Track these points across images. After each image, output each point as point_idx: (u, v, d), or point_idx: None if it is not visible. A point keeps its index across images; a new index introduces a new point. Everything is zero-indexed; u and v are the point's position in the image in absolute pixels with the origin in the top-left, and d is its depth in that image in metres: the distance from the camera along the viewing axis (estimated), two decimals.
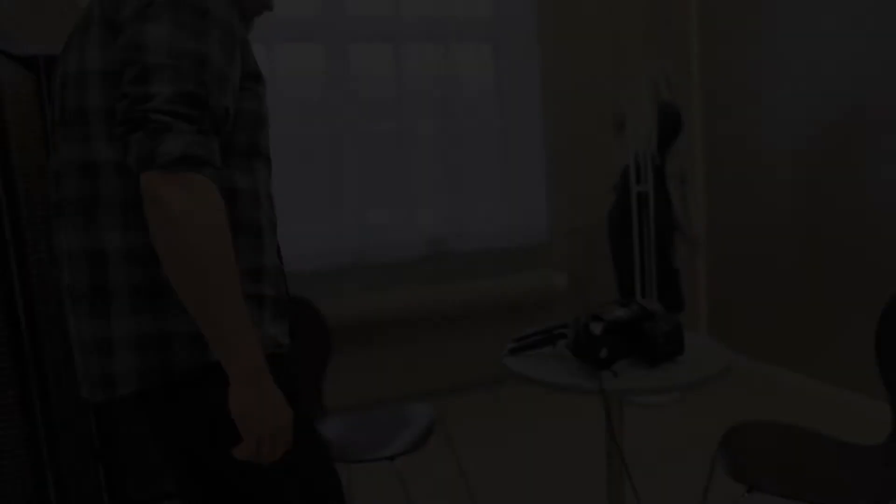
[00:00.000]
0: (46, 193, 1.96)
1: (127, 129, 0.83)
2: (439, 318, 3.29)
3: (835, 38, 2.67)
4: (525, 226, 3.36)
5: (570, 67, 3.43)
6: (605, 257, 3.54)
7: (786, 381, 3.12)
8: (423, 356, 3.28)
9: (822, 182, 2.80)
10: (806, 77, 2.82)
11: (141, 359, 0.91)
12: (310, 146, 3.05)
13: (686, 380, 1.43)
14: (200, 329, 0.88)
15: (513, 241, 3.35)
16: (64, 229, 0.94)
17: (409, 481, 2.42)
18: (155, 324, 0.90)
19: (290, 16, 2.93)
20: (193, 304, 0.83)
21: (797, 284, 2.99)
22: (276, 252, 1.03)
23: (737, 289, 3.37)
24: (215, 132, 0.87)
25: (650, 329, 1.47)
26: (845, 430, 2.59)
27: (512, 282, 3.28)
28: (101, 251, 0.91)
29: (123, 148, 0.86)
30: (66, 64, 0.94)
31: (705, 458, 2.43)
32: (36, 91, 2.02)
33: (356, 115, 3.08)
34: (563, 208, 3.51)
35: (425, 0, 3.10)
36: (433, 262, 3.27)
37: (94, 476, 2.18)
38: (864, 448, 1.61)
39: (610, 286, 3.58)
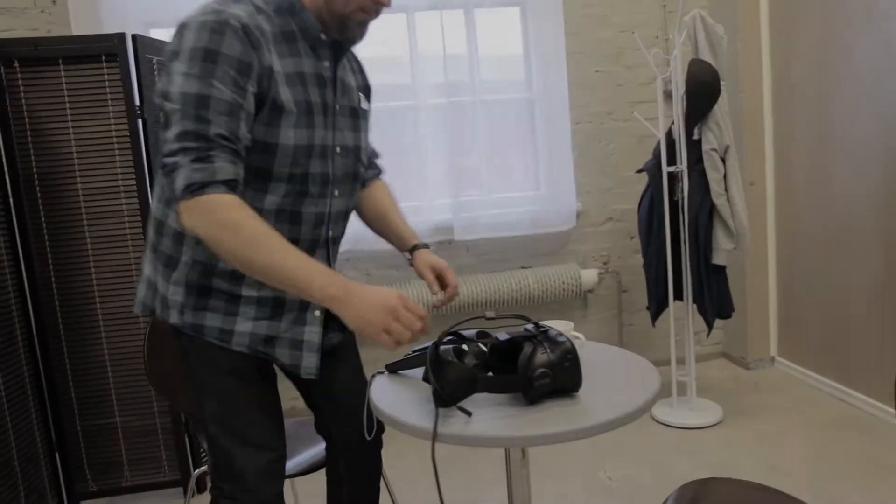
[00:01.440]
0: None
1: (162, 174, 1.05)
2: (455, 311, 3.01)
3: None
4: (552, 212, 2.97)
5: (598, 29, 2.99)
6: (639, 250, 3.07)
7: (856, 403, 2.49)
8: None
9: None
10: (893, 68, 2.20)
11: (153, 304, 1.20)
12: None
13: (550, 430, 1.00)
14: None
15: (538, 229, 2.98)
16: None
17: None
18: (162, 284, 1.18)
19: None
20: (262, 280, 1.03)
21: (875, 301, 2.37)
22: None
23: (808, 304, 2.76)
24: (226, 154, 1.02)
25: (526, 358, 1.11)
26: None
27: (535, 275, 2.91)
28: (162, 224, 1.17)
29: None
30: None
31: None
32: None
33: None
34: (592, 192, 3.08)
35: None
36: (451, 250, 3.00)
37: (52, 469, 2.18)
38: None
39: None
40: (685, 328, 2.63)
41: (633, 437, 2.47)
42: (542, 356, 1.08)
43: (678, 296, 2.60)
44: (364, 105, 1.31)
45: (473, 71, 2.92)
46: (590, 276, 2.98)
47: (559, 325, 1.36)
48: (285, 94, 1.09)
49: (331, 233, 1.26)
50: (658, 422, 2.57)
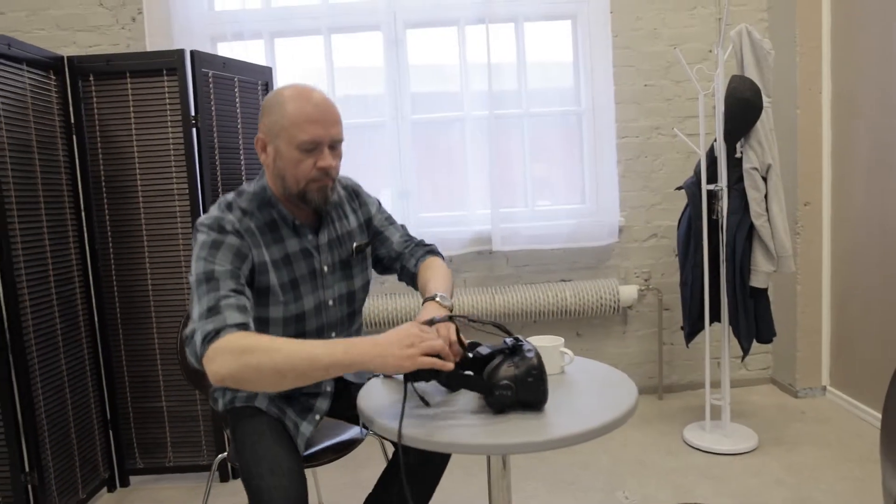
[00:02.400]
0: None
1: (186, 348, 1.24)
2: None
3: None
4: (594, 226, 2.96)
5: (645, 41, 2.95)
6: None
7: None
8: None
9: None
10: None
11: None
12: (372, 136, 3.02)
13: (511, 441, 1.04)
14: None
15: (579, 243, 2.97)
16: None
17: None
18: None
19: (348, 2, 2.91)
20: (294, 382, 1.13)
21: None
22: None
23: (864, 332, 2.62)
24: (233, 307, 1.20)
25: (492, 368, 1.13)
26: None
27: (573, 289, 2.91)
28: None
29: None
30: None
31: None
32: (59, 91, 2.26)
33: (416, 107, 2.97)
34: (637, 207, 3.04)
35: None
36: (490, 260, 3.05)
37: (105, 444, 2.39)
38: None
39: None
40: (729, 351, 2.56)
41: (662, 458, 2.43)
42: (507, 369, 1.12)
43: (715, 317, 2.53)
44: (361, 240, 1.52)
45: (521, 84, 2.96)
46: (629, 292, 2.95)
47: (549, 341, 1.38)
48: (273, 280, 1.35)
49: None
50: (689, 445, 2.52)
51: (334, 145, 1.34)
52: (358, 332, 1.58)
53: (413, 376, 1.14)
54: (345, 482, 2.38)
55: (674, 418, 2.80)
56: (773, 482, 2.20)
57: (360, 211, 1.55)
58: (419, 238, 1.63)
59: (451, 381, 1.15)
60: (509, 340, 1.19)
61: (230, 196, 1.38)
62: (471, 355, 1.21)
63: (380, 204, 1.61)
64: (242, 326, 1.19)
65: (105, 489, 2.42)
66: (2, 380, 1.92)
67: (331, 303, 1.46)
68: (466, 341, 1.27)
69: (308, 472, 2.43)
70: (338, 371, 1.12)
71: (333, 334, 1.49)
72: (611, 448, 2.54)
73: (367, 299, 2.81)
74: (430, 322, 1.20)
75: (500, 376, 1.11)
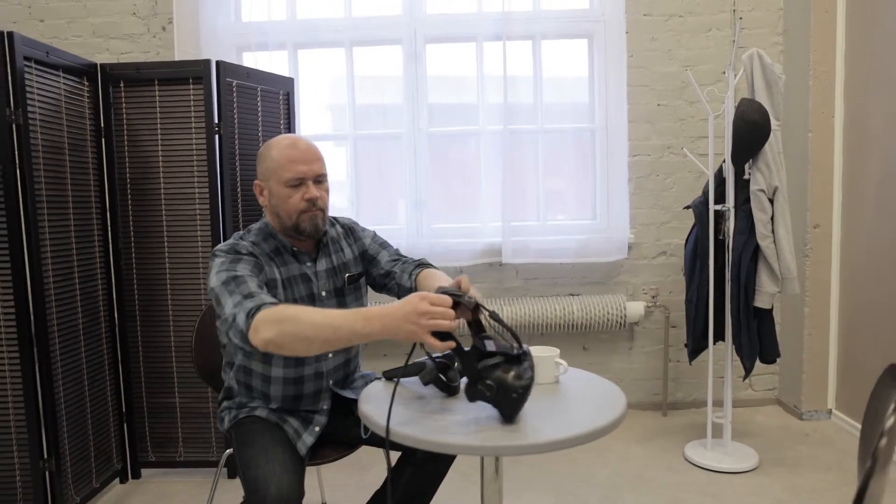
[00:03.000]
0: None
1: (226, 333, 1.38)
2: (498, 332, 3.10)
3: None
4: (603, 242, 3.00)
5: (658, 64, 3.00)
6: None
7: None
8: None
9: None
10: None
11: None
12: (389, 147, 3.10)
13: (490, 443, 1.11)
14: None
15: (587, 258, 3.02)
16: None
17: None
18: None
19: (370, 17, 3.00)
20: (322, 347, 1.25)
21: None
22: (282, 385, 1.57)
23: (871, 356, 2.62)
24: (265, 294, 1.36)
25: (490, 364, 1.18)
26: None
27: (581, 303, 2.95)
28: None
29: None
30: None
31: None
32: (91, 97, 2.37)
33: (433, 119, 3.05)
34: (648, 225, 3.08)
35: None
36: (500, 272, 3.10)
37: (119, 437, 2.48)
38: None
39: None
40: (735, 371, 2.58)
41: (661, 473, 2.45)
42: (501, 373, 1.17)
43: (720, 336, 2.56)
44: (355, 270, 1.67)
45: (537, 100, 3.02)
46: (636, 308, 2.98)
47: (545, 351, 1.44)
48: (280, 296, 1.50)
49: (330, 382, 1.62)
50: (689, 461, 2.54)
51: (319, 179, 1.52)
52: (357, 357, 1.70)
53: (431, 378, 1.25)
54: (348, 483, 2.44)
55: (676, 435, 2.82)
56: (771, 502, 2.21)
57: (356, 245, 1.70)
58: (416, 258, 1.72)
59: (455, 351, 1.20)
60: (517, 349, 1.24)
61: (239, 233, 1.57)
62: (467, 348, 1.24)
63: (374, 234, 1.75)
64: (276, 304, 1.32)
65: (118, 480, 2.51)
66: (26, 370, 2.02)
67: None
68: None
69: (312, 473, 2.49)
70: (357, 340, 1.23)
71: (331, 355, 1.61)
72: (611, 462, 2.57)
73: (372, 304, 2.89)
74: (450, 294, 1.23)
75: (492, 375, 1.17)
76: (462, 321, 1.47)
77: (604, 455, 2.64)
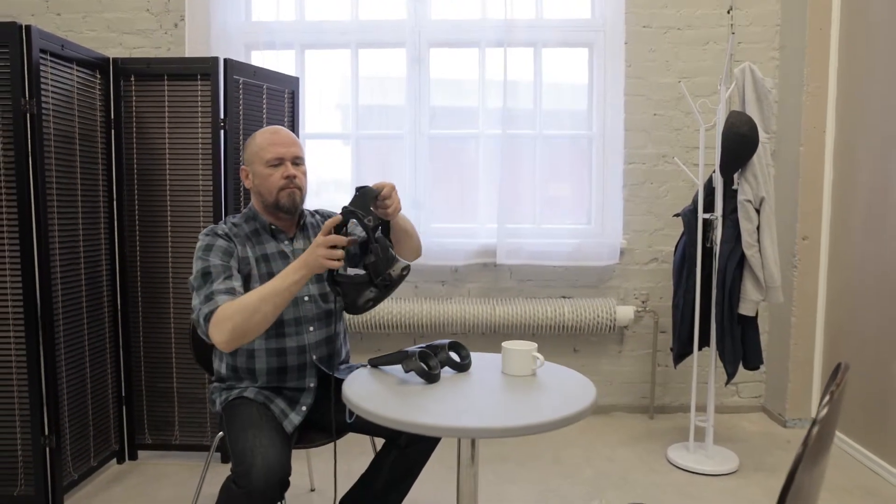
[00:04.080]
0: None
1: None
2: (490, 331, 3.18)
3: None
4: (595, 246, 3.07)
5: (656, 74, 3.06)
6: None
7: (887, 477, 2.39)
8: None
9: None
10: None
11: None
12: (391, 147, 3.18)
13: (465, 425, 1.25)
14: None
15: (579, 262, 3.08)
16: None
17: None
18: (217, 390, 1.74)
19: (375, 20, 3.08)
20: (274, 315, 1.47)
21: None
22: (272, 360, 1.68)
23: (854, 368, 2.68)
24: (224, 295, 1.51)
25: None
26: None
27: (571, 305, 3.02)
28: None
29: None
30: None
31: None
32: (102, 90, 2.46)
33: (436, 122, 3.13)
34: (641, 232, 3.14)
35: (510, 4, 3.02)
36: (495, 272, 3.17)
37: (118, 419, 2.56)
38: None
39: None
40: (720, 377, 2.64)
41: (644, 474, 2.51)
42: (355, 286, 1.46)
43: (705, 342, 2.62)
44: None
45: (536, 106, 3.10)
46: (626, 312, 3.04)
47: (523, 345, 1.51)
48: (253, 272, 1.65)
49: (314, 356, 1.70)
50: (671, 463, 2.60)
51: (297, 162, 1.69)
52: (342, 336, 1.80)
53: (413, 367, 1.41)
54: (338, 472, 2.51)
55: (661, 438, 2.88)
56: (744, 503, 2.27)
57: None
58: None
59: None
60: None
61: (228, 217, 1.78)
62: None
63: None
64: (230, 299, 1.49)
65: (115, 460, 2.59)
66: (31, 350, 2.10)
67: (306, 298, 1.69)
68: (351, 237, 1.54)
69: (302, 460, 2.56)
70: (297, 286, 1.47)
71: (311, 328, 1.70)
72: (595, 462, 2.63)
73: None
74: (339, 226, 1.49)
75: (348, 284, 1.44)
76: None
77: (589, 455, 2.70)
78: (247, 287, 1.64)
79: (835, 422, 1.08)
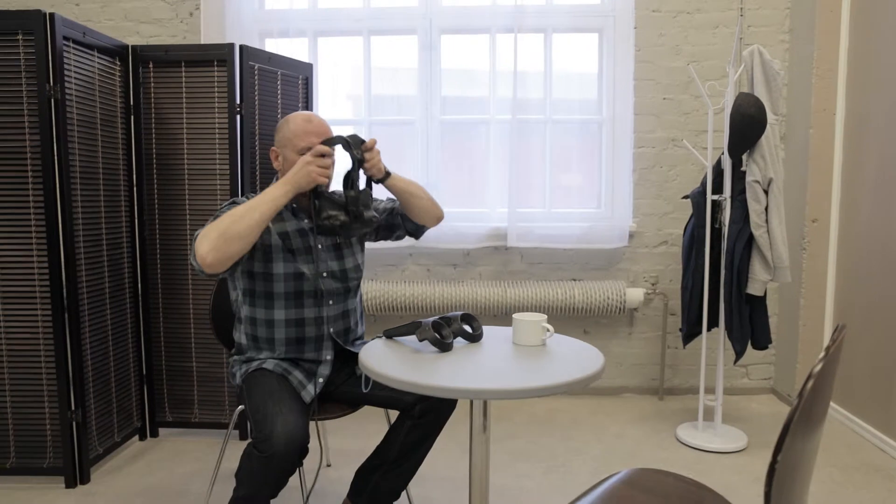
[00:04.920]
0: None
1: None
2: (501, 313, 3.22)
3: None
4: (605, 230, 3.10)
5: (666, 58, 3.08)
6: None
7: (895, 454, 2.42)
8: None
9: None
10: None
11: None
12: (402, 133, 3.22)
13: (478, 386, 1.30)
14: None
15: (589, 244, 3.12)
16: None
17: None
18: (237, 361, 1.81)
19: (387, 7, 3.12)
20: (263, 221, 1.54)
21: None
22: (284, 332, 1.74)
23: (864, 349, 2.70)
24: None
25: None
26: None
27: (581, 287, 3.06)
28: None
29: None
30: None
31: None
32: (122, 76, 2.53)
33: (445, 107, 3.17)
34: (650, 215, 3.17)
35: None
36: (506, 255, 3.22)
37: (139, 397, 2.64)
38: None
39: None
40: (729, 358, 2.68)
41: (652, 451, 2.56)
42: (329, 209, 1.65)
43: (714, 322, 2.65)
44: None
45: (547, 91, 3.13)
46: (635, 294, 3.08)
47: (532, 316, 1.55)
48: (274, 241, 1.70)
49: (331, 329, 1.77)
50: (680, 441, 2.64)
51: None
52: (357, 312, 1.86)
53: (427, 336, 1.47)
54: (351, 448, 2.58)
55: (670, 418, 2.92)
56: (752, 480, 2.31)
57: None
58: None
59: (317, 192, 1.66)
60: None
61: (248, 193, 1.83)
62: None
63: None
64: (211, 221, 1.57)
65: (137, 437, 2.67)
66: (57, 328, 2.17)
67: (325, 274, 1.76)
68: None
69: (317, 434, 2.63)
70: (281, 200, 1.56)
71: (331, 302, 1.76)
72: (605, 439, 2.68)
73: (384, 287, 3.04)
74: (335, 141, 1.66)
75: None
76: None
77: (599, 434, 2.75)
78: (268, 255, 1.69)
79: (831, 382, 1.12)
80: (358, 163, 1.66)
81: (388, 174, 1.75)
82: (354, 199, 1.65)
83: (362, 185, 1.75)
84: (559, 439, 2.68)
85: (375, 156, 1.69)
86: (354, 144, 1.66)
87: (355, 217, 1.64)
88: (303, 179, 1.58)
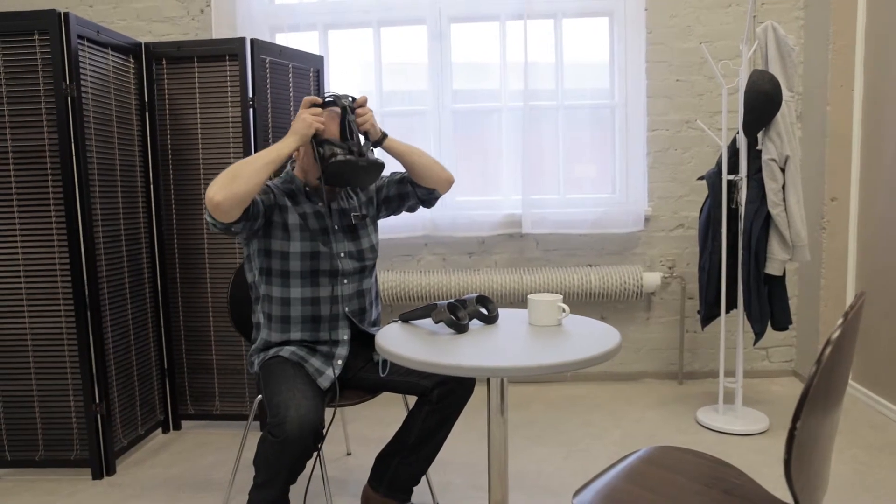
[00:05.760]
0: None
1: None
2: (518, 300, 3.22)
3: None
4: (620, 214, 3.09)
5: (677, 40, 3.05)
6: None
7: None
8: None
9: None
10: None
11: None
12: (414, 123, 3.23)
13: (495, 364, 1.32)
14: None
15: (604, 229, 3.11)
16: None
17: None
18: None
19: None
20: (265, 171, 1.59)
21: None
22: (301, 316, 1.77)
23: (888, 328, 2.66)
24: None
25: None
26: None
27: (598, 273, 3.05)
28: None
29: None
30: None
31: None
32: (136, 73, 2.55)
33: (457, 96, 3.17)
34: (666, 198, 3.15)
35: None
36: (521, 242, 3.21)
37: (161, 390, 2.68)
38: None
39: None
40: (748, 340, 2.65)
41: (672, 434, 2.55)
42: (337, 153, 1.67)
43: (732, 304, 2.63)
44: (366, 212, 1.89)
45: (559, 77, 3.11)
46: (652, 278, 3.06)
47: (549, 297, 1.55)
48: (292, 220, 1.74)
49: (346, 308, 1.79)
50: (701, 424, 2.62)
51: None
52: (373, 293, 1.88)
53: (443, 318, 1.49)
54: (371, 436, 2.60)
55: (690, 402, 2.90)
56: (775, 460, 2.29)
57: (363, 194, 1.91)
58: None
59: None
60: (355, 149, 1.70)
61: None
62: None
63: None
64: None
65: (160, 430, 2.71)
66: (80, 323, 2.21)
67: (342, 255, 1.79)
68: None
69: (339, 425, 2.65)
70: (285, 151, 1.63)
71: (346, 281, 1.78)
72: (624, 424, 2.67)
73: (400, 277, 3.05)
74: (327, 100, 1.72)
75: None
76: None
77: (618, 418, 2.74)
78: (286, 234, 1.72)
79: (850, 350, 1.10)
80: (349, 110, 1.70)
81: (384, 135, 1.77)
82: (356, 143, 1.70)
83: (362, 140, 1.80)
84: (578, 425, 2.68)
85: (367, 112, 1.73)
86: (343, 97, 1.73)
87: (358, 155, 1.67)
88: (301, 126, 1.64)
